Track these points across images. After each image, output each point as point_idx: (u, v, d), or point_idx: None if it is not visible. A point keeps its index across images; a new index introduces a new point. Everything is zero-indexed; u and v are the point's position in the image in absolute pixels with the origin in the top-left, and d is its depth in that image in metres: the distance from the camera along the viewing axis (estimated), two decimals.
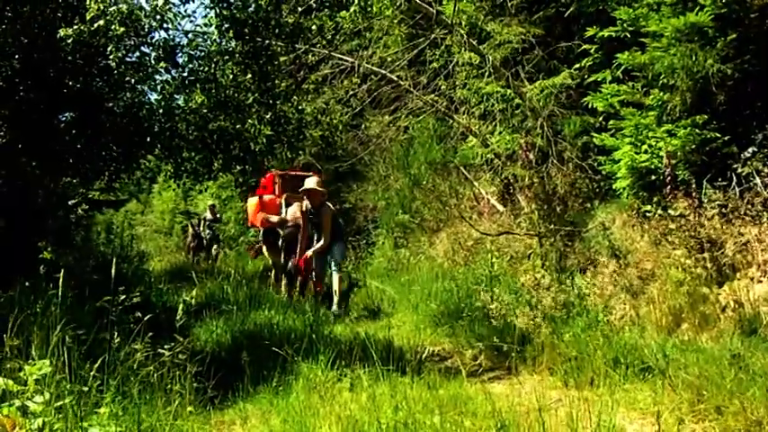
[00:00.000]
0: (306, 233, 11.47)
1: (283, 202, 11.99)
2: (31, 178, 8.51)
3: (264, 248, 12.71)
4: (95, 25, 7.80)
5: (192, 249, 22.53)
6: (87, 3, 7.94)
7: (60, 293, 4.96)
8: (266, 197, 12.37)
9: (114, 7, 8.00)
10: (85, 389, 4.19)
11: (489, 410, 4.50)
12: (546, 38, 11.48)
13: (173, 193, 29.43)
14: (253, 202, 12.51)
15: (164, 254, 25.72)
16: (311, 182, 11.14)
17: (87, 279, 8.19)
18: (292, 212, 11.65)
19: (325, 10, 9.78)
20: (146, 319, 4.87)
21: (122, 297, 5.36)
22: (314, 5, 9.54)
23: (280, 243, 11.96)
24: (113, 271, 5.18)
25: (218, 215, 22.41)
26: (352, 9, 10.76)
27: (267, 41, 8.89)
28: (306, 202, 11.36)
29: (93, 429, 3.83)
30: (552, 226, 9.78)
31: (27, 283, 6.31)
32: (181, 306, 5.65)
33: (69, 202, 10.64)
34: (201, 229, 21.98)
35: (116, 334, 4.72)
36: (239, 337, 7.44)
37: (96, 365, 4.27)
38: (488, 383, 5.25)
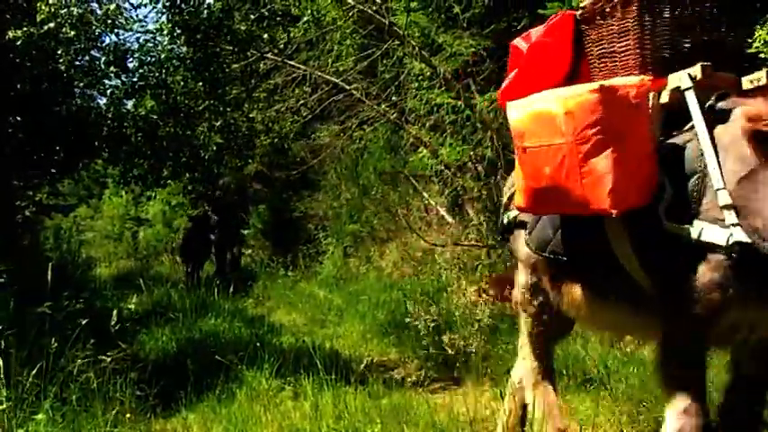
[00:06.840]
0: None
1: (690, 94, 3.13)
2: None
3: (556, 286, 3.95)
4: (45, 27, 7.74)
5: (186, 255, 15.05)
6: (38, 5, 7.88)
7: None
8: (618, 82, 3.18)
9: (65, 10, 7.95)
10: (24, 395, 4.16)
11: (430, 421, 4.55)
12: (497, 51, 11.57)
13: (123, 198, 29.05)
14: (531, 113, 3.34)
15: (113, 259, 25.44)
16: None
17: (31, 284, 8.10)
18: None
19: (278, 20, 9.78)
20: (85, 323, 4.84)
21: (65, 303, 5.32)
22: (266, 14, 9.52)
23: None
24: (55, 276, 5.14)
25: (235, 198, 15.48)
26: (303, 20, 10.80)
27: (219, 48, 8.87)
28: None
29: None
30: (500, 237, 9.86)
31: None
32: (114, 312, 5.57)
33: (15, 204, 10.52)
34: (213, 220, 14.50)
35: (55, 340, 4.67)
36: (185, 346, 7.41)
37: (34, 372, 4.23)
38: (431, 394, 5.30)
